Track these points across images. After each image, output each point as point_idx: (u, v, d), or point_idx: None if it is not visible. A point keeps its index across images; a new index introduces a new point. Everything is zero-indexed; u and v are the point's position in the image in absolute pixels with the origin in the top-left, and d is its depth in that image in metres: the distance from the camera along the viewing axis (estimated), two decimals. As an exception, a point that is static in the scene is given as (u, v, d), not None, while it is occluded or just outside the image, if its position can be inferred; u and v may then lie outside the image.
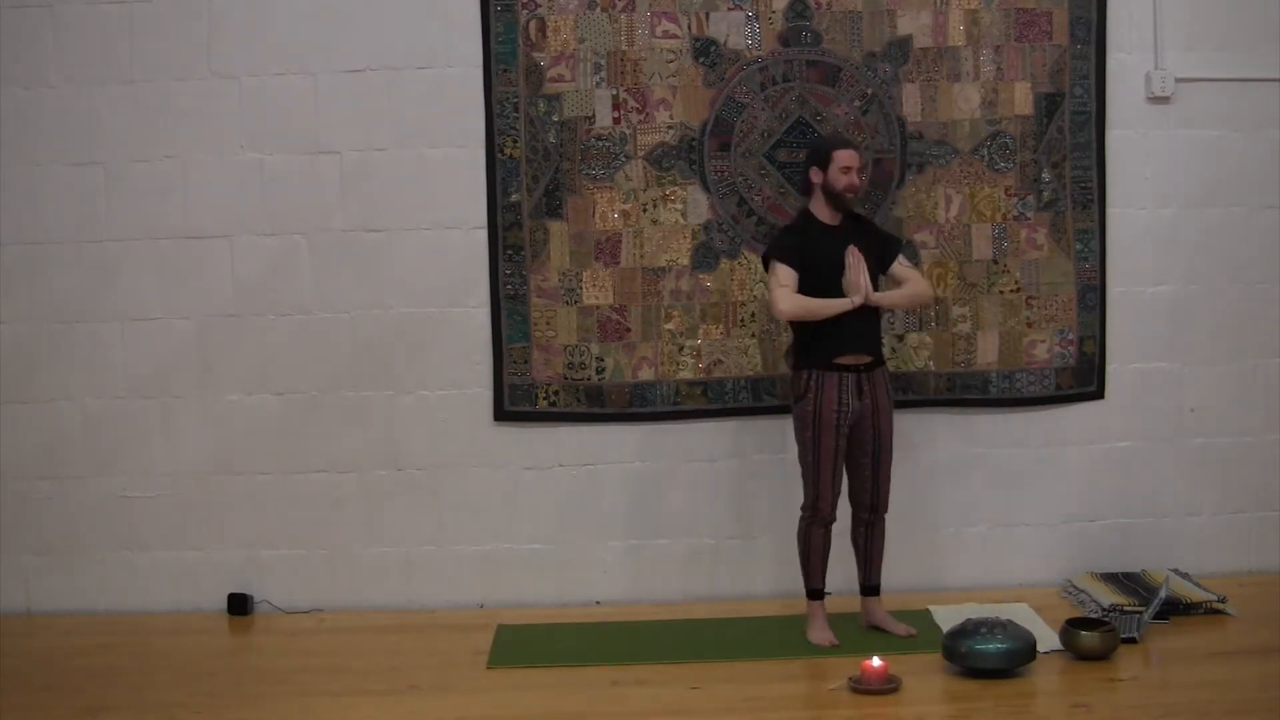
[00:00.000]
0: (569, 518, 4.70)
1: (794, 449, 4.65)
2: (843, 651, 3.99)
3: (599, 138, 4.62)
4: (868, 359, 4.11)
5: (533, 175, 4.62)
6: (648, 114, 4.62)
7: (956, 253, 4.68)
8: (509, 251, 4.64)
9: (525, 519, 4.70)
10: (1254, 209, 4.76)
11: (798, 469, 4.68)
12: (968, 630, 3.82)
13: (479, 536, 4.71)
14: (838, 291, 4.07)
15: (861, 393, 4.09)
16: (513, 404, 4.68)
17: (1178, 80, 4.69)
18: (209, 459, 4.69)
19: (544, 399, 4.67)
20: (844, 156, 4.14)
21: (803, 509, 4.19)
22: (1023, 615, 4.20)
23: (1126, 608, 4.23)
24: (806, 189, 4.24)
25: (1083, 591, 4.48)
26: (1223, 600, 4.32)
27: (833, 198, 4.15)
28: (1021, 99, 4.65)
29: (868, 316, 4.11)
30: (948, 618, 4.17)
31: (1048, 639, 3.99)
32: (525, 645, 4.22)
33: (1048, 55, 4.65)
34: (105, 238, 4.65)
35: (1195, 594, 4.36)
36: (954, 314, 4.68)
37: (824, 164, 4.15)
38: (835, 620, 4.30)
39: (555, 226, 4.63)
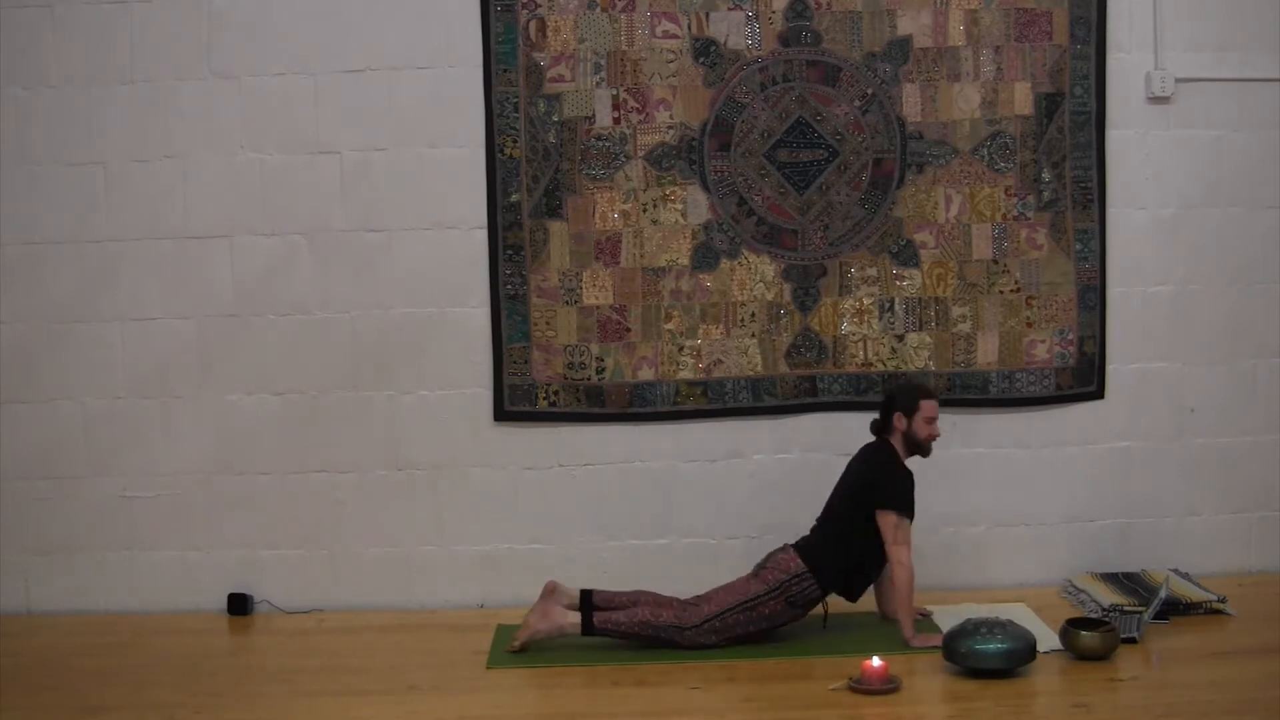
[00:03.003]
0: (569, 518, 4.70)
1: (798, 449, 4.68)
2: (843, 651, 3.99)
3: (599, 138, 4.61)
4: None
5: (533, 175, 4.62)
6: (648, 114, 4.62)
7: (956, 253, 4.68)
8: (509, 251, 4.64)
9: (525, 519, 4.70)
10: (1254, 209, 4.76)
11: (796, 469, 4.70)
12: (968, 630, 3.81)
13: (479, 536, 4.71)
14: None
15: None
16: (513, 404, 4.68)
17: (1178, 80, 4.69)
18: (209, 459, 4.69)
19: (544, 399, 4.67)
20: (930, 407, 4.21)
21: (683, 634, 4.07)
22: (1023, 615, 4.19)
23: (1126, 608, 4.23)
24: (884, 428, 4.22)
25: (1083, 591, 4.48)
26: (1223, 600, 4.32)
27: (916, 446, 4.21)
28: (1021, 99, 4.65)
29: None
30: (948, 618, 4.16)
31: (1048, 639, 3.99)
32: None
33: (1048, 55, 4.65)
34: (105, 238, 4.65)
35: (1195, 594, 4.35)
36: (954, 314, 4.68)
37: (910, 411, 4.18)
38: (841, 619, 4.31)
39: (555, 226, 4.63)
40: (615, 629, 4.08)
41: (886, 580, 4.28)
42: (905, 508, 4.14)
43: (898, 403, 4.22)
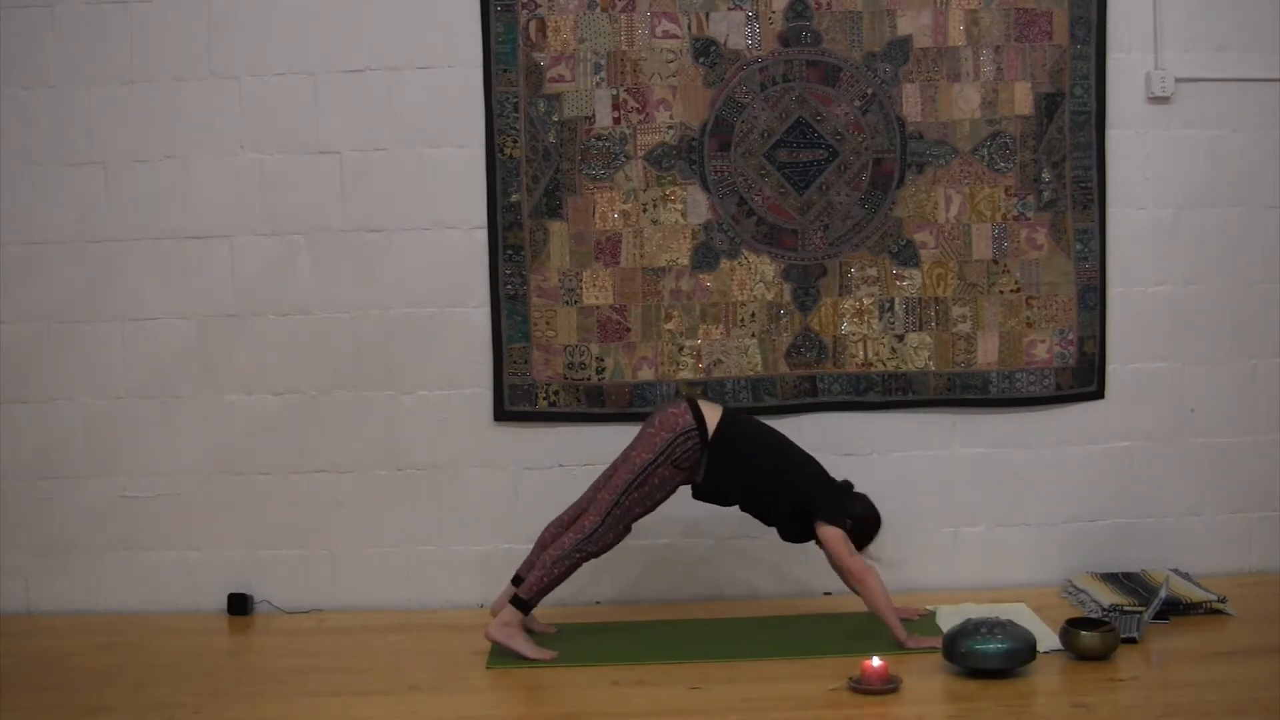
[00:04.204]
0: (569, 518, 4.69)
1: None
2: (843, 651, 3.99)
3: (599, 138, 4.62)
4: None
5: (533, 175, 4.62)
6: (648, 114, 4.62)
7: (956, 253, 4.68)
8: (509, 251, 4.64)
9: (525, 519, 4.68)
10: (1254, 209, 4.76)
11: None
12: (968, 630, 3.81)
13: (479, 536, 4.71)
14: None
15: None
16: (513, 404, 4.68)
17: (1178, 80, 4.69)
18: (209, 459, 4.69)
19: (544, 399, 4.67)
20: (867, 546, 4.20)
21: (591, 542, 4.09)
22: (1023, 615, 4.19)
23: (1126, 608, 4.23)
24: (835, 514, 4.09)
25: (1083, 591, 4.48)
26: (1223, 600, 4.32)
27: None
28: (1021, 99, 4.65)
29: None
30: (948, 618, 4.16)
31: (1048, 639, 3.99)
32: (525, 645, 4.22)
33: (1048, 55, 4.65)
34: (105, 238, 4.65)
35: (1195, 594, 4.35)
36: (954, 314, 4.68)
37: (854, 533, 4.12)
38: (842, 618, 4.31)
39: (555, 226, 4.63)
40: (540, 585, 4.07)
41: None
42: (842, 519, 4.07)
43: (858, 526, 4.14)
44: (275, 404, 4.69)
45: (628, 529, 4.14)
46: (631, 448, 4.13)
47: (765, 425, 4.29)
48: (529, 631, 4.15)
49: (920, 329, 4.69)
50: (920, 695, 3.68)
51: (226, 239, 4.66)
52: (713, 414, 4.13)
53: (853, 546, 4.07)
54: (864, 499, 4.23)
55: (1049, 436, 4.75)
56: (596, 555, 4.12)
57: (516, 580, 4.17)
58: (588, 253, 4.63)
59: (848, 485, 4.20)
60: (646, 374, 4.66)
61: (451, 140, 4.64)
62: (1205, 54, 4.70)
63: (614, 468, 4.14)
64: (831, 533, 4.05)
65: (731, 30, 4.61)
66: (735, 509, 4.23)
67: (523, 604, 4.08)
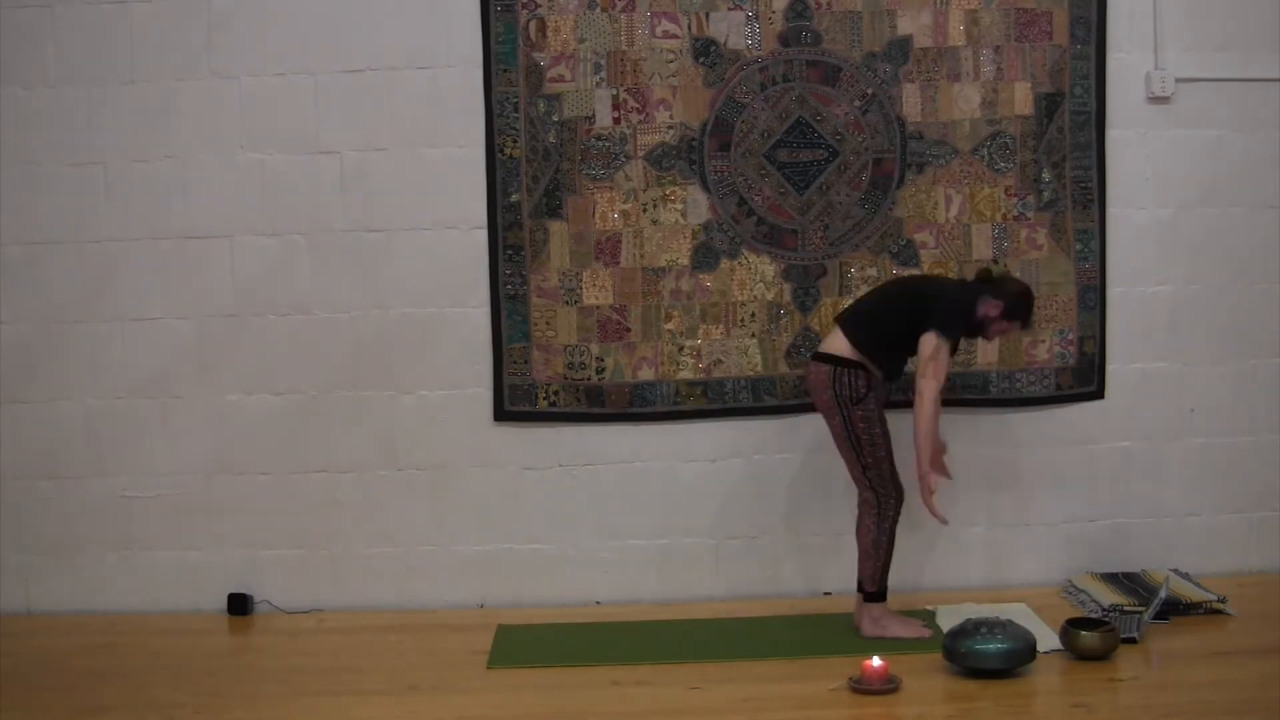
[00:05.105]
0: (569, 518, 4.70)
1: (798, 449, 4.67)
2: (843, 651, 3.99)
3: (599, 138, 4.62)
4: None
5: (533, 175, 4.62)
6: (648, 114, 4.62)
7: (956, 253, 4.68)
8: (509, 251, 4.64)
9: (525, 519, 4.70)
10: (1254, 209, 4.76)
11: (796, 469, 4.69)
12: (968, 630, 3.82)
13: (479, 536, 4.71)
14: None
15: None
16: (513, 404, 4.68)
17: (1178, 80, 4.69)
18: (209, 459, 4.69)
19: (544, 399, 4.67)
20: (1015, 329, 4.23)
21: (884, 508, 4.12)
22: (1023, 615, 4.20)
23: (1126, 608, 4.23)
24: (974, 293, 4.13)
25: (1083, 591, 4.48)
26: (1223, 600, 4.32)
27: (975, 332, 4.18)
28: (1021, 99, 4.65)
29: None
30: (948, 618, 4.16)
31: (1048, 639, 3.99)
32: (525, 645, 4.22)
33: (1048, 55, 4.65)
34: (105, 238, 4.65)
35: (1195, 594, 4.36)
36: (954, 314, 4.68)
37: (1010, 317, 4.14)
38: (834, 619, 4.31)
39: (555, 226, 4.63)
40: (876, 571, 4.14)
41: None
42: (952, 334, 4.07)
43: (1006, 299, 4.12)
44: (275, 404, 4.69)
45: (893, 472, 4.13)
46: (828, 426, 4.17)
47: (873, 295, 4.32)
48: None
49: (920, 329, 4.68)
50: (920, 695, 3.68)
51: (226, 239, 4.66)
52: (836, 342, 4.14)
53: (942, 367, 4.03)
54: (1005, 279, 4.24)
55: (1049, 436, 4.75)
56: (898, 512, 4.15)
57: (860, 588, 4.20)
58: (588, 253, 4.63)
59: (984, 277, 4.21)
60: (646, 374, 4.66)
61: (451, 140, 4.64)
62: (1205, 54, 4.70)
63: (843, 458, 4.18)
64: (931, 342, 4.02)
65: (731, 30, 4.61)
66: None
67: (874, 595, 4.14)
